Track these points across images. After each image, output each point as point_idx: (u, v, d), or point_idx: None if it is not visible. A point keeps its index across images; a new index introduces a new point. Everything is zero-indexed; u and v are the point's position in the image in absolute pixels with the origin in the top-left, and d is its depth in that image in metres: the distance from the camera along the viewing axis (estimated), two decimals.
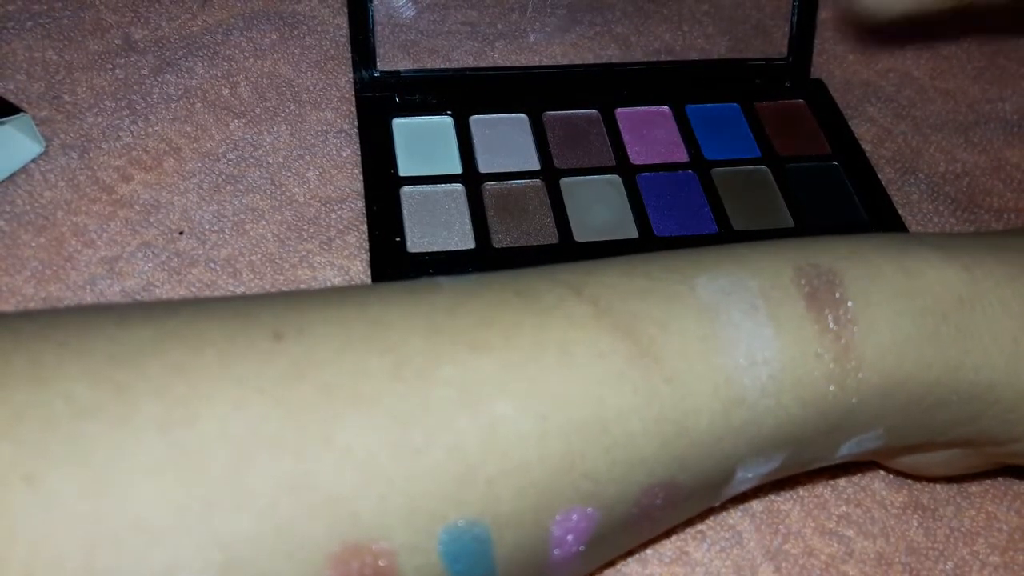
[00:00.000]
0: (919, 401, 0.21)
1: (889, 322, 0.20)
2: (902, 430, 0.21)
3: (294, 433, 0.16)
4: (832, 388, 0.20)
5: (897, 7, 0.29)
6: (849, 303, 0.20)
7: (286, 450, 0.16)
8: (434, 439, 0.17)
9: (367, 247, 0.31)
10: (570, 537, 0.19)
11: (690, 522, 0.26)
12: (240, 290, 0.29)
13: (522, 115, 0.35)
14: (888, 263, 0.21)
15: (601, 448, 0.18)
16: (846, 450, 0.22)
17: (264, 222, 0.31)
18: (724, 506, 0.26)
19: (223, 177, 0.32)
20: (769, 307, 0.20)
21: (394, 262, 0.29)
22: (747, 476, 0.21)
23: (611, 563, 0.25)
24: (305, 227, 0.31)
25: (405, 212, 0.31)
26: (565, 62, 0.38)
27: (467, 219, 0.31)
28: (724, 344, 0.19)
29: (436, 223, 0.31)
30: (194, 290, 0.29)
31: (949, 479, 0.27)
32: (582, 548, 0.19)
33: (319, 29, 0.38)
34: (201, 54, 0.36)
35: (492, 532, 0.17)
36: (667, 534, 0.26)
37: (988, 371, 0.20)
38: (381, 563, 0.17)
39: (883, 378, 0.20)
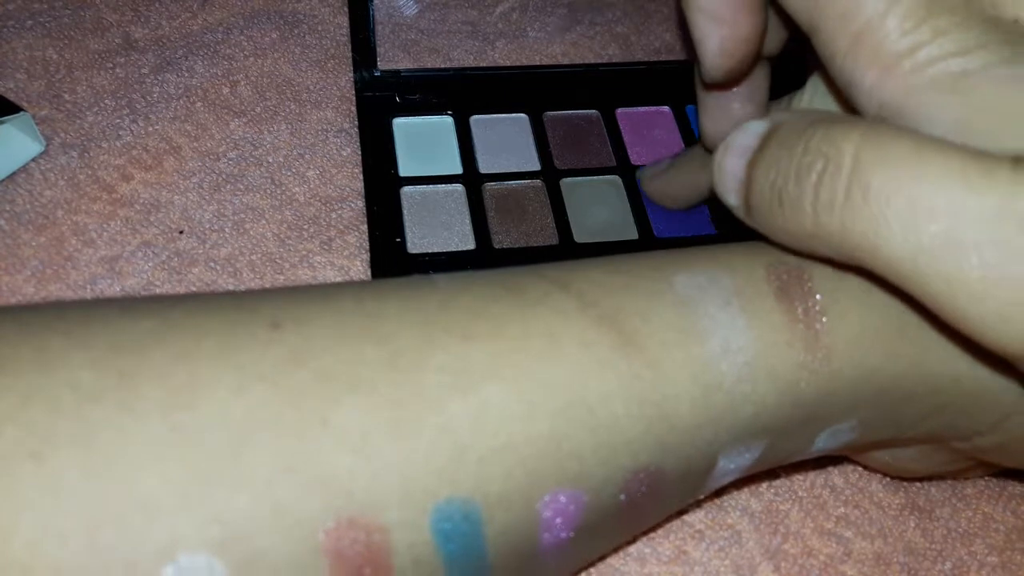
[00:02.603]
0: (888, 392, 0.21)
1: (857, 315, 0.21)
2: (873, 422, 0.22)
3: (291, 416, 0.17)
4: (804, 376, 0.20)
5: (681, 206, 0.32)
6: (817, 296, 0.21)
7: (283, 431, 0.17)
8: (427, 420, 0.18)
9: (367, 247, 0.31)
10: (559, 520, 0.19)
11: (689, 521, 0.26)
12: (240, 289, 0.30)
13: (522, 115, 0.35)
14: None
15: (586, 430, 0.19)
16: (822, 442, 0.22)
17: (264, 222, 0.31)
18: (723, 505, 0.26)
19: (223, 176, 0.32)
20: (742, 301, 0.20)
21: (394, 262, 0.30)
22: (729, 467, 0.22)
23: (609, 563, 0.25)
24: (305, 227, 0.31)
25: (405, 212, 0.31)
26: (565, 62, 0.38)
27: (467, 219, 0.31)
28: (701, 334, 0.20)
29: (436, 223, 0.31)
30: (194, 289, 0.29)
31: (928, 478, 0.28)
32: (571, 534, 0.19)
33: (319, 28, 0.38)
34: (201, 53, 0.36)
35: (483, 511, 0.18)
36: (665, 533, 0.26)
37: (952, 364, 0.21)
38: (375, 538, 0.17)
39: (853, 368, 0.21)
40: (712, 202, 0.33)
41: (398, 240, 0.30)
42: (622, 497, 0.20)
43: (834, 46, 0.20)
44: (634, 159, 0.34)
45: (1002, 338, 0.17)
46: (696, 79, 0.28)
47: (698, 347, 0.20)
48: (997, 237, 0.17)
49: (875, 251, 0.18)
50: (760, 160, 0.21)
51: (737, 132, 0.22)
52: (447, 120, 0.34)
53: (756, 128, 0.21)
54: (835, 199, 0.18)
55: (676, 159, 0.32)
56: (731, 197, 0.22)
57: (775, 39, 0.27)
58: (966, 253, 0.17)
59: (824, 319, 0.21)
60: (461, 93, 0.35)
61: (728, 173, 0.22)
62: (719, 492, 0.26)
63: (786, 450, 0.22)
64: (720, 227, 0.32)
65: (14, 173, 0.31)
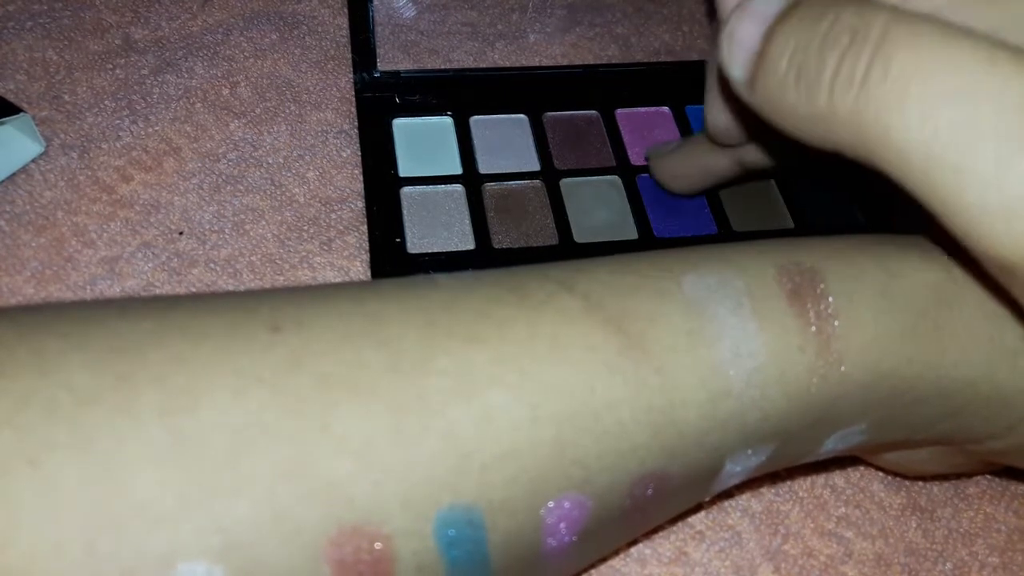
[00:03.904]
0: (900, 396, 0.21)
1: (870, 318, 0.20)
2: (884, 425, 0.22)
3: (291, 421, 0.17)
4: (815, 381, 0.20)
5: (685, 189, 0.32)
6: (830, 299, 0.20)
7: (283, 437, 0.17)
8: (429, 426, 0.17)
9: (367, 247, 0.31)
10: (563, 526, 0.19)
11: (689, 522, 0.26)
12: (240, 290, 0.29)
13: (522, 115, 0.35)
14: (870, 262, 0.21)
15: (592, 436, 0.18)
16: (831, 445, 0.22)
17: (264, 222, 0.31)
18: (723, 506, 0.26)
19: (223, 177, 0.32)
20: (753, 304, 0.20)
21: (394, 263, 0.30)
22: (735, 469, 0.21)
23: (610, 564, 0.25)
24: (305, 227, 0.31)
25: (405, 212, 0.31)
26: (565, 62, 0.38)
27: (467, 220, 0.31)
28: (710, 338, 0.20)
29: (436, 224, 0.31)
30: (194, 290, 0.29)
31: (938, 478, 0.28)
32: (575, 538, 0.19)
33: (319, 29, 0.38)
34: (201, 54, 0.36)
35: (486, 518, 0.18)
36: (666, 534, 0.26)
37: (966, 368, 0.21)
38: (377, 546, 0.17)
39: (864, 372, 0.20)
40: (712, 196, 0.33)
41: (398, 240, 0.30)
42: (627, 501, 0.20)
43: None
44: (634, 159, 0.34)
45: (1002, 238, 0.17)
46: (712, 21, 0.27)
47: (706, 351, 0.19)
48: (1017, 127, 0.16)
49: (886, 136, 0.17)
50: (780, 30, 0.19)
51: None
52: (447, 121, 0.34)
53: None
54: (855, 75, 0.18)
55: (685, 141, 0.31)
56: (737, 69, 0.20)
57: None
58: (982, 140, 0.16)
59: (836, 323, 0.20)
60: (461, 94, 0.35)
61: (740, 42, 0.20)
62: (719, 493, 0.26)
63: (794, 453, 0.22)
64: (721, 227, 0.32)
65: (14, 174, 0.31)
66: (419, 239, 0.30)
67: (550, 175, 0.33)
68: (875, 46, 0.17)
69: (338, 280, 0.30)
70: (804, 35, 0.19)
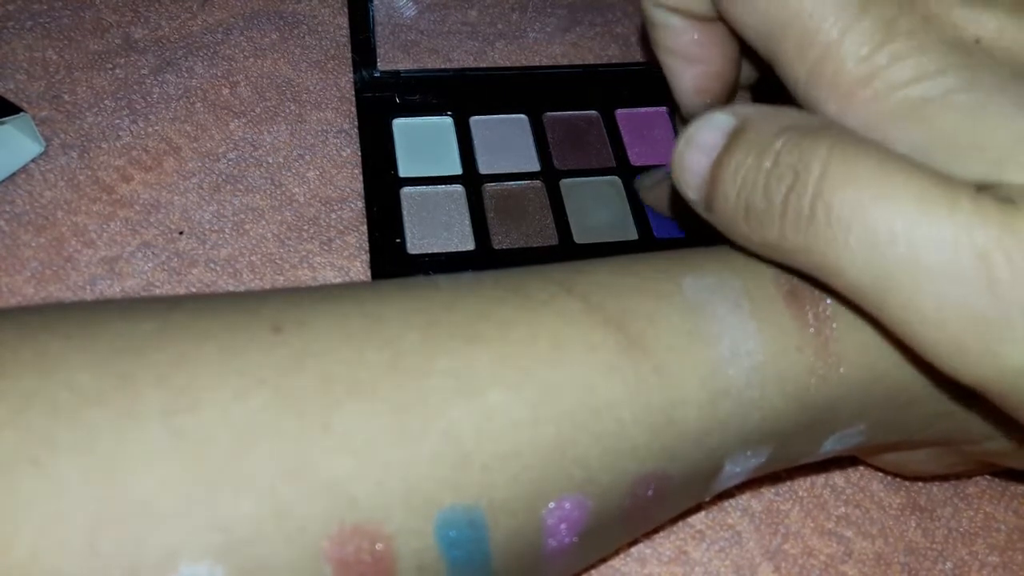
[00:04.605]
0: (897, 396, 0.21)
1: (867, 320, 0.20)
2: (882, 426, 0.22)
3: (293, 420, 0.17)
4: (814, 382, 0.20)
5: (672, 215, 0.32)
6: (828, 300, 0.20)
7: (285, 436, 0.17)
8: (430, 425, 0.17)
9: (367, 248, 0.31)
10: (563, 526, 0.19)
11: (689, 522, 0.26)
12: (240, 290, 0.29)
13: (522, 115, 0.35)
14: None
15: (592, 436, 0.19)
16: (829, 446, 0.22)
17: (264, 222, 0.31)
18: (723, 506, 0.26)
19: (223, 177, 0.32)
20: (752, 305, 0.20)
21: (394, 263, 0.30)
22: (735, 470, 0.21)
23: (610, 564, 0.25)
24: (305, 227, 0.31)
25: (405, 213, 0.31)
26: (565, 62, 0.38)
27: (467, 220, 0.31)
28: (709, 338, 0.20)
29: (436, 224, 0.31)
30: (194, 290, 0.29)
31: (937, 478, 0.28)
32: (575, 539, 0.19)
33: (319, 29, 0.38)
34: (201, 54, 0.36)
35: (487, 518, 0.18)
36: (666, 534, 0.26)
37: None
38: (379, 546, 0.17)
39: (862, 373, 0.20)
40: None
41: (398, 241, 0.30)
42: (628, 501, 0.20)
43: (794, 74, 0.20)
44: (634, 160, 0.34)
45: (957, 367, 0.17)
46: (675, 114, 0.28)
47: (706, 351, 0.19)
48: (953, 268, 0.17)
49: (837, 272, 0.18)
50: (726, 163, 0.20)
51: (700, 125, 0.21)
52: (447, 121, 0.34)
53: (721, 123, 0.20)
54: (800, 215, 0.18)
55: (668, 174, 0.32)
56: (691, 192, 0.21)
57: (750, 70, 0.27)
58: (923, 282, 0.17)
59: (835, 324, 0.20)
60: (461, 94, 0.35)
61: (690, 170, 0.21)
62: (720, 493, 0.26)
63: (793, 454, 0.22)
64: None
65: (14, 174, 0.31)
66: (419, 239, 0.30)
67: (550, 175, 0.33)
68: (815, 189, 0.18)
69: (338, 280, 0.30)
70: (750, 174, 0.19)
